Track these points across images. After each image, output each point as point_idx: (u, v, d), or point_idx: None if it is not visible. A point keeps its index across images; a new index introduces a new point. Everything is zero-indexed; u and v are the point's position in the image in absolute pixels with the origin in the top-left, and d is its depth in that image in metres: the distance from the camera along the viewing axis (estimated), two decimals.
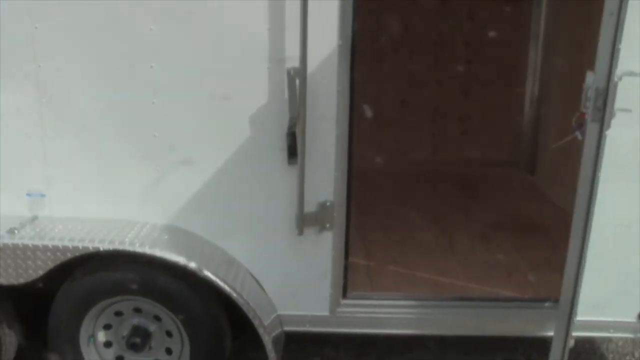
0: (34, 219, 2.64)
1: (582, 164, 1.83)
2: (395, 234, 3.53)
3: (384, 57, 4.58)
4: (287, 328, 2.79)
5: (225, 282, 2.54)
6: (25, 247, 2.47)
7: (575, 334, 2.80)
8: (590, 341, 3.40)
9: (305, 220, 2.59)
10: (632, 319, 2.82)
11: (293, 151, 2.50)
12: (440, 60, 4.68)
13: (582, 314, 2.79)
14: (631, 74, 1.89)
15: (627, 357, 3.33)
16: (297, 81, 2.42)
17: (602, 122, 1.73)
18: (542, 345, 2.96)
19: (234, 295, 2.54)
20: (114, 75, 2.51)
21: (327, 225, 2.63)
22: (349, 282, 2.82)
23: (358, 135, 4.47)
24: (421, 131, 4.74)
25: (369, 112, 3.98)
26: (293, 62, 2.40)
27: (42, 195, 2.64)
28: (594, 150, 1.77)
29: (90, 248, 2.47)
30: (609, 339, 3.40)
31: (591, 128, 1.74)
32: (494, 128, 4.72)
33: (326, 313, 2.76)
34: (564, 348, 2.06)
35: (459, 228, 3.67)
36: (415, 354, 3.20)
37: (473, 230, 3.65)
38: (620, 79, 1.85)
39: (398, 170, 4.36)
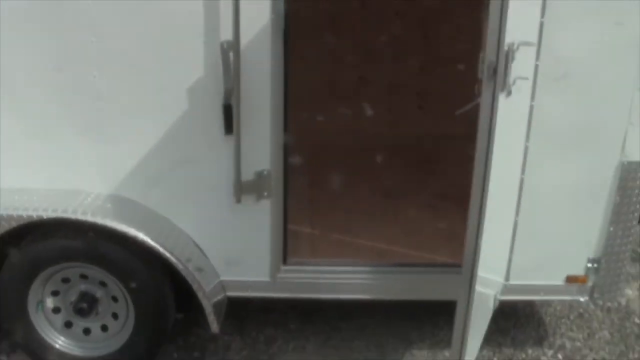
0: None
1: (479, 129, 1.93)
2: (343, 204, 3.64)
3: (342, 32, 4.66)
4: (231, 293, 2.92)
5: (165, 248, 2.66)
6: None
7: (506, 297, 3.01)
8: (530, 305, 3.56)
9: (243, 189, 2.70)
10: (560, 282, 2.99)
11: (229, 122, 2.61)
12: (399, 36, 4.77)
13: (515, 278, 2.99)
14: (527, 43, 2.00)
15: (563, 320, 3.48)
16: (231, 55, 2.51)
17: (494, 90, 1.84)
18: None
19: (173, 260, 2.66)
20: (57, 53, 2.60)
21: (265, 193, 2.74)
22: (291, 249, 2.96)
23: (317, 110, 4.59)
24: (378, 106, 4.83)
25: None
26: (227, 36, 2.51)
27: None
28: (488, 115, 1.88)
29: (34, 216, 2.58)
30: (548, 303, 3.56)
31: (485, 95, 1.86)
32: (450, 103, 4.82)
33: (267, 279, 2.90)
34: (467, 309, 2.19)
35: (407, 198, 3.79)
36: (359, 319, 3.35)
37: (421, 201, 3.78)
38: (517, 48, 1.96)
39: (354, 145, 4.47)
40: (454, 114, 4.86)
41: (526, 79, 2.08)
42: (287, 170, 2.77)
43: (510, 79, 2.07)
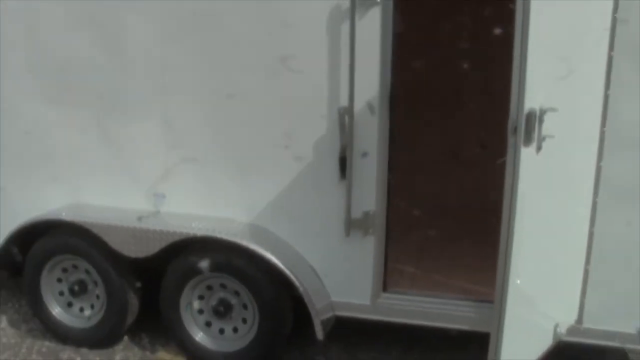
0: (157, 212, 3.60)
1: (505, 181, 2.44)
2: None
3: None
4: (339, 313, 3.50)
5: (289, 270, 3.33)
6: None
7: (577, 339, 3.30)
8: None
9: (352, 225, 3.33)
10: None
11: (344, 171, 3.28)
12: None
13: (587, 322, 3.29)
14: (551, 109, 2.48)
15: None
16: (346, 118, 3.21)
17: (516, 147, 2.36)
18: None
19: (294, 279, 3.31)
20: None
21: (370, 230, 3.35)
22: (392, 281, 3.51)
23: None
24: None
25: None
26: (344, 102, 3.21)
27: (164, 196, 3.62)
28: (511, 171, 2.39)
29: (190, 234, 3.39)
30: None
31: (510, 152, 2.39)
32: None
33: (368, 302, 3.44)
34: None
35: None
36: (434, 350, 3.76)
37: None
38: (544, 112, 2.46)
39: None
40: None
41: (553, 137, 2.53)
42: (389, 212, 3.36)
43: (537, 137, 2.54)
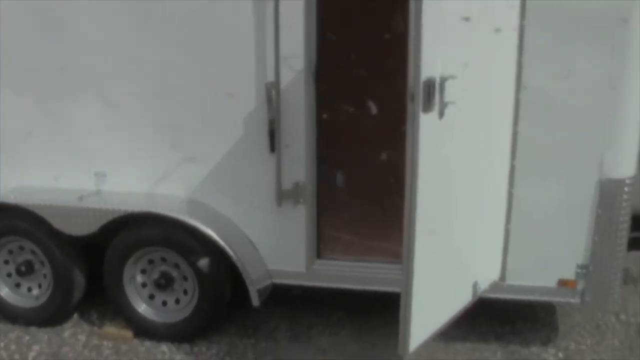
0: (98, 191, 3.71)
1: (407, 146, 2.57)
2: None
3: None
4: (275, 280, 3.65)
5: (224, 241, 3.46)
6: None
7: (502, 295, 3.49)
8: (551, 313, 3.97)
9: (283, 196, 3.47)
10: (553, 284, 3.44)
11: (273, 144, 3.41)
12: None
13: (510, 279, 3.47)
14: (451, 76, 2.63)
15: (578, 328, 3.86)
16: (273, 92, 3.33)
17: (415, 113, 2.50)
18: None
19: (229, 250, 3.46)
20: None
21: (301, 199, 3.49)
22: (326, 247, 3.66)
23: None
24: None
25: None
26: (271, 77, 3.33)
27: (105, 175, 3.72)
28: (411, 135, 2.53)
29: (129, 210, 3.51)
30: (568, 313, 3.95)
31: (409, 118, 2.52)
32: None
33: (303, 270, 3.60)
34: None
35: None
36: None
37: None
38: (445, 80, 2.61)
39: None
40: None
41: (453, 103, 2.68)
42: (317, 182, 3.51)
43: (439, 104, 2.67)
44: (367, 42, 3.50)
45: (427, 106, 2.57)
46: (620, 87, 3.11)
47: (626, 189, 3.23)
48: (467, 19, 2.83)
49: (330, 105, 3.54)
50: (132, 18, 3.45)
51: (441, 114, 2.65)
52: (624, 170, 3.23)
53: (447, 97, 2.67)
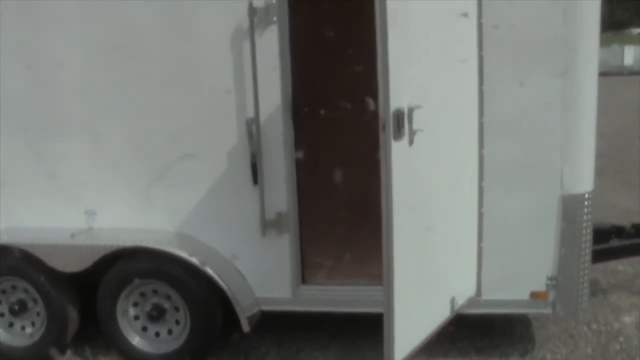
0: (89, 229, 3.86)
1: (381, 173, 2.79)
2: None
3: None
4: (263, 307, 3.80)
5: (215, 273, 3.62)
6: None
7: (479, 310, 3.68)
8: (526, 326, 4.17)
9: (267, 225, 3.66)
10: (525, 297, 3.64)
11: (255, 176, 3.60)
12: None
13: (486, 294, 3.67)
14: (418, 106, 2.87)
15: (553, 339, 4.06)
16: (253, 127, 3.54)
17: (386, 142, 2.74)
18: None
19: (219, 280, 3.61)
20: None
21: (284, 228, 3.67)
22: (310, 273, 3.84)
23: None
24: None
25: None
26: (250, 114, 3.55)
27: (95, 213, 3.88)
28: (384, 162, 2.77)
29: (121, 245, 3.66)
30: (544, 325, 4.16)
31: (382, 146, 2.75)
32: None
33: (289, 295, 3.76)
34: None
35: None
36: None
37: None
38: (413, 110, 2.84)
39: None
40: None
41: (422, 130, 2.91)
42: (299, 212, 3.69)
43: (408, 132, 2.90)
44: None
45: (398, 135, 2.79)
46: (574, 107, 3.38)
47: (586, 203, 3.48)
48: (433, 51, 3.10)
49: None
50: (117, 60, 3.67)
51: (411, 141, 2.87)
52: (583, 185, 3.49)
53: (416, 125, 2.90)
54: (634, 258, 5.13)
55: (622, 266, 5.21)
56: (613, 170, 8.62)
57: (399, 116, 2.79)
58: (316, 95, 3.83)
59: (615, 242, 4.51)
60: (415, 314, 3.16)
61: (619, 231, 4.54)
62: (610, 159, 9.24)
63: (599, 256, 4.46)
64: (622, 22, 47.50)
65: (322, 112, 3.89)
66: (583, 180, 3.50)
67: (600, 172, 9.61)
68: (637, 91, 17.58)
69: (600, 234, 4.47)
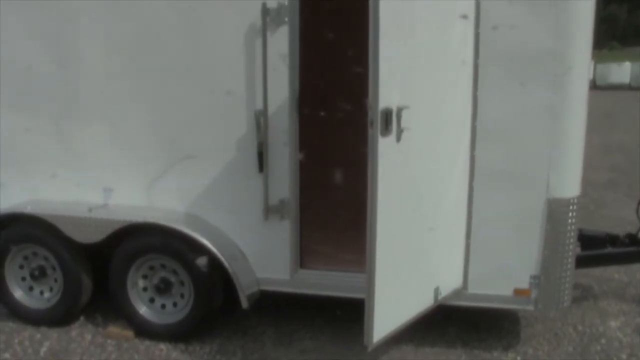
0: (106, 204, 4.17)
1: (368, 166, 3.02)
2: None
3: None
4: (263, 287, 4.07)
5: (218, 250, 3.89)
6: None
7: (465, 303, 3.89)
8: (514, 323, 4.35)
9: (270, 211, 3.91)
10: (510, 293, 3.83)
11: (261, 164, 3.86)
12: None
13: (472, 288, 3.87)
14: (406, 107, 3.08)
15: (538, 337, 4.24)
16: (261, 119, 3.79)
17: (373, 137, 2.95)
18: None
19: (223, 259, 3.88)
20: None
21: (285, 215, 3.92)
22: (309, 258, 4.08)
23: None
24: None
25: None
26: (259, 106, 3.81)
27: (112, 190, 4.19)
28: (371, 156, 2.98)
29: (133, 221, 3.95)
30: (530, 324, 4.34)
31: (369, 142, 2.97)
32: None
33: (287, 277, 4.03)
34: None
35: None
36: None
37: None
38: (401, 110, 3.06)
39: None
40: None
41: (409, 129, 3.13)
42: (298, 200, 3.94)
43: (396, 130, 3.11)
44: None
45: (385, 131, 3.01)
46: (562, 115, 3.56)
47: (571, 207, 3.66)
48: (430, 52, 3.31)
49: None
50: (138, 53, 3.96)
51: (398, 138, 3.10)
52: (569, 191, 3.67)
53: (407, 124, 3.12)
54: (630, 267, 5.30)
55: (618, 274, 5.35)
56: (626, 184, 8.74)
57: (387, 114, 3.01)
58: (317, 96, 4.07)
59: (609, 250, 4.69)
60: (395, 300, 3.38)
61: (613, 239, 4.71)
62: (624, 173, 9.43)
63: (593, 261, 4.65)
64: None
65: (322, 113, 4.14)
66: (569, 186, 3.68)
67: (613, 184, 9.70)
68: None
69: (596, 241, 4.66)
